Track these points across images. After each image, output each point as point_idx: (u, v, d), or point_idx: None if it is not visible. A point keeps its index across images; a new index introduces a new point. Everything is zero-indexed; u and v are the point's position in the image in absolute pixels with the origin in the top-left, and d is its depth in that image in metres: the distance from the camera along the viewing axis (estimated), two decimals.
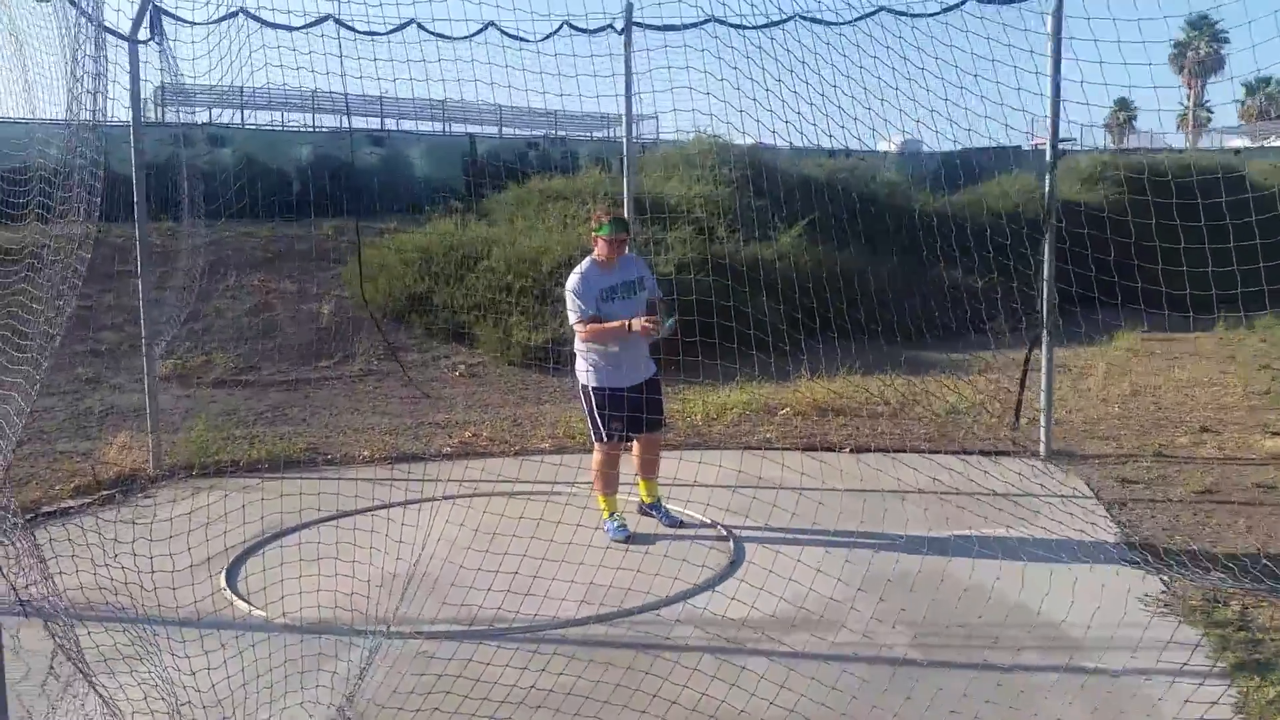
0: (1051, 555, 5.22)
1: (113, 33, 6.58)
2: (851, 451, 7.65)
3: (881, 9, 6.61)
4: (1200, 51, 54.31)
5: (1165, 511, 6.21)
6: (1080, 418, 8.58)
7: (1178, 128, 46.78)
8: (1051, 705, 3.90)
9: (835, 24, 6.71)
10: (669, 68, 7.09)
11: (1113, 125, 36.69)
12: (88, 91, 4.11)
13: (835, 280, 9.93)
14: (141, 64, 7.12)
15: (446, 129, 25.25)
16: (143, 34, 7.04)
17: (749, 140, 11.38)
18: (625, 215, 7.08)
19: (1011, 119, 6.44)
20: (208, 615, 4.62)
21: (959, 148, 7.40)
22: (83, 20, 4.32)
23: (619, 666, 4.18)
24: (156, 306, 7.77)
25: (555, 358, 9.85)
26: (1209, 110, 54.18)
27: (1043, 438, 7.37)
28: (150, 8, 6.99)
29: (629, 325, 5.57)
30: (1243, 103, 51.95)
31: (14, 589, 2.89)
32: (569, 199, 13.67)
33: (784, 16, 6.84)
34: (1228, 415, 8.62)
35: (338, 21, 6.93)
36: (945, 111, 6.23)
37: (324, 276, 13.33)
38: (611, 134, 26.12)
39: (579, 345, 5.87)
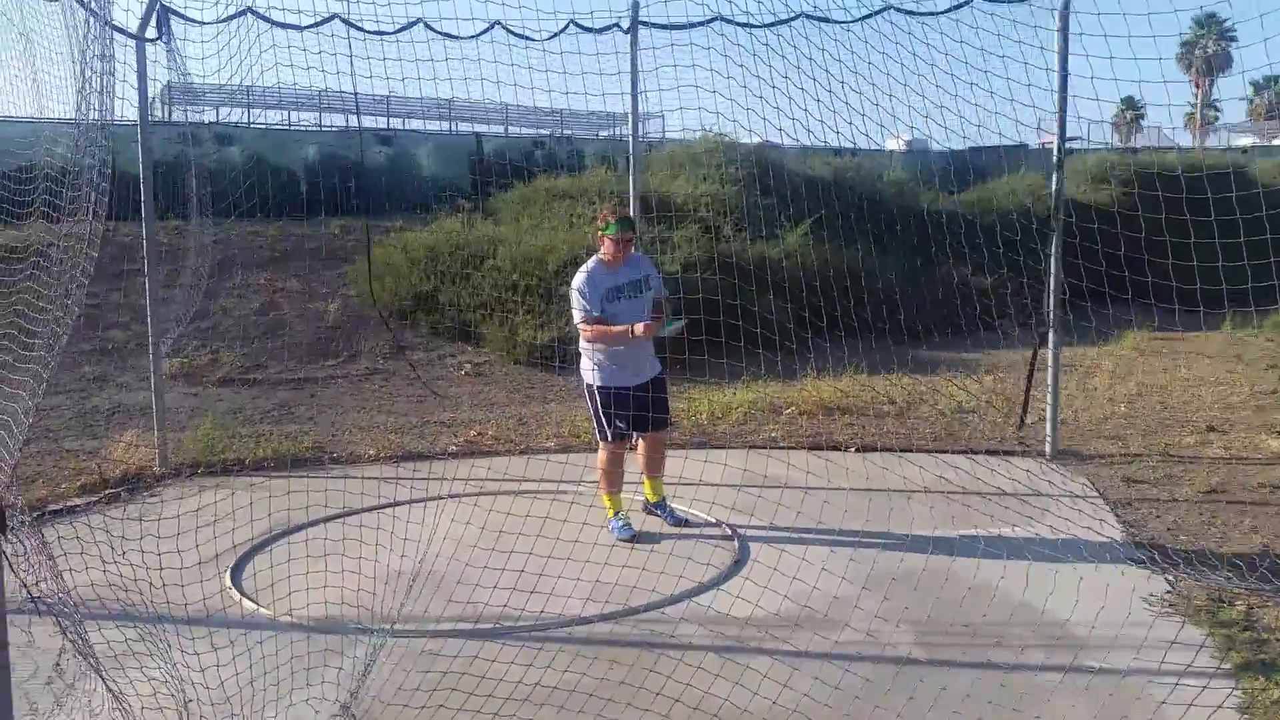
0: (1057, 555, 5.21)
1: (121, 31, 6.60)
2: (857, 450, 7.63)
3: (889, 7, 6.56)
4: (1208, 49, 54.05)
5: (1171, 511, 6.20)
6: (1086, 417, 8.56)
7: (1185, 126, 46.65)
8: (1055, 705, 3.90)
9: (843, 22, 6.70)
10: (675, 66, 7.13)
11: (1120, 124, 36.63)
12: (96, 91, 4.12)
13: (842, 278, 9.90)
14: (149, 63, 7.16)
15: (453, 128, 25.25)
16: (151, 33, 7.07)
17: (755, 139, 11.40)
18: (631, 214, 7.08)
19: (1020, 115, 6.42)
20: (215, 613, 4.64)
21: (967, 145, 7.39)
22: (91, 19, 4.33)
23: (624, 665, 4.19)
24: (164, 305, 7.79)
25: (561, 356, 9.85)
26: (1217, 109, 54.02)
27: (1049, 437, 7.37)
28: (158, 7, 7.01)
29: (632, 331, 5.58)
30: (1251, 100, 51.79)
31: (25, 586, 2.91)
32: (575, 198, 13.66)
33: (791, 15, 6.85)
34: (1234, 415, 8.60)
35: (345, 21, 6.94)
36: (955, 108, 6.23)
37: (330, 275, 13.37)
38: (617, 133, 26.16)
39: (584, 344, 5.87)
